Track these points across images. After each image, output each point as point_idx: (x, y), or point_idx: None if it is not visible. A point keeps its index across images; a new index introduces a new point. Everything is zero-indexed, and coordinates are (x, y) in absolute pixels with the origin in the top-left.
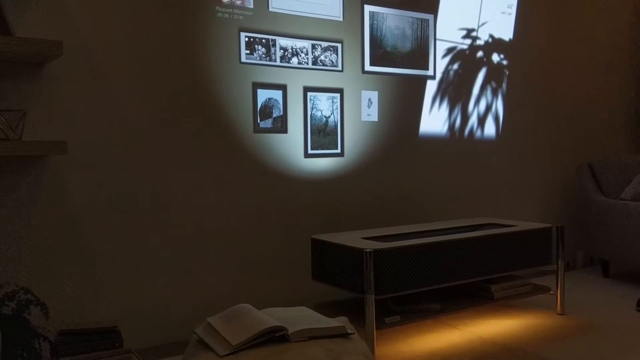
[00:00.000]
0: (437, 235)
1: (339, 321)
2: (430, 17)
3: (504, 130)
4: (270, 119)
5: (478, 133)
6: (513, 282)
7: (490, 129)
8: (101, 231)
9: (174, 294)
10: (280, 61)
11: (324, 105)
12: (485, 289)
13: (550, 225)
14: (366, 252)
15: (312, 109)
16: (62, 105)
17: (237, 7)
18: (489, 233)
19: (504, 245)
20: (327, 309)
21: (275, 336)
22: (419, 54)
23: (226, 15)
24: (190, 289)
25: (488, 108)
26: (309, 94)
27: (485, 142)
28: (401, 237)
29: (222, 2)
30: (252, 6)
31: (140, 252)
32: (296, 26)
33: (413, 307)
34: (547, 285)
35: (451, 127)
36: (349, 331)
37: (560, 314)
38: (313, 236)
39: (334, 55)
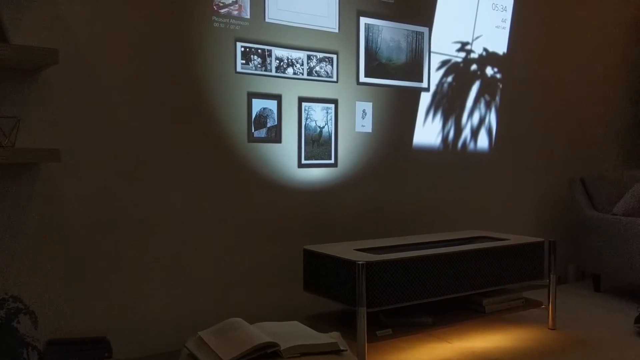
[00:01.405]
0: (429, 248)
1: (331, 337)
2: (425, 30)
3: (497, 143)
4: (264, 129)
5: (471, 145)
6: (505, 296)
7: (483, 141)
8: (93, 240)
9: (165, 304)
10: (276, 71)
11: (319, 116)
12: (477, 302)
13: (542, 239)
14: (358, 264)
15: (306, 119)
16: (57, 112)
17: (234, 17)
18: (481, 247)
19: (497, 259)
20: (319, 320)
21: (267, 352)
22: (414, 66)
23: (222, 25)
24: (181, 299)
25: (481, 121)
26: (303, 104)
27: (479, 154)
28: (393, 249)
29: (219, 12)
30: (248, 16)
31: (131, 261)
32: (292, 37)
33: (405, 321)
34: (539, 299)
35: (445, 139)
36: (342, 347)
37: (552, 329)
38: (305, 247)
39: (329, 66)
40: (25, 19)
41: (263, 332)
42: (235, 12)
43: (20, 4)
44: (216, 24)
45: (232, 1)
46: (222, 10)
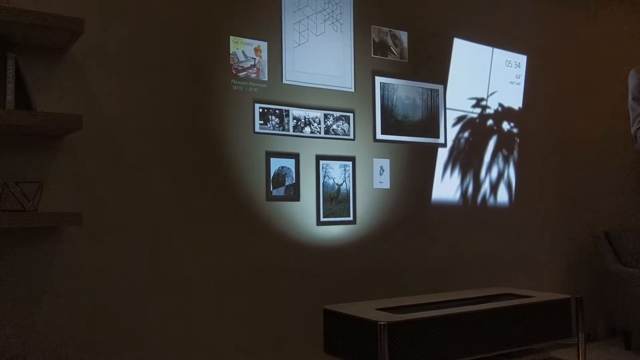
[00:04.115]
0: (452, 307)
1: None
2: (440, 87)
3: (517, 197)
4: (282, 187)
5: (491, 200)
6: (532, 356)
7: (503, 196)
8: (113, 302)
9: None
10: (293, 131)
11: (336, 173)
12: None
13: (569, 296)
14: (380, 324)
15: (324, 176)
16: (79, 176)
17: (252, 80)
18: (506, 305)
19: (523, 318)
20: None
21: None
22: (430, 123)
23: (241, 88)
24: None
25: (500, 175)
26: (321, 162)
27: (499, 209)
28: (416, 309)
29: (237, 75)
30: (266, 79)
31: (152, 323)
32: (309, 97)
33: None
34: (568, 359)
35: (463, 194)
36: None
37: None
38: (325, 307)
39: (345, 125)
40: (50, 84)
41: None
42: (254, 75)
43: (45, 70)
44: (235, 87)
45: (251, 65)
46: (241, 74)
